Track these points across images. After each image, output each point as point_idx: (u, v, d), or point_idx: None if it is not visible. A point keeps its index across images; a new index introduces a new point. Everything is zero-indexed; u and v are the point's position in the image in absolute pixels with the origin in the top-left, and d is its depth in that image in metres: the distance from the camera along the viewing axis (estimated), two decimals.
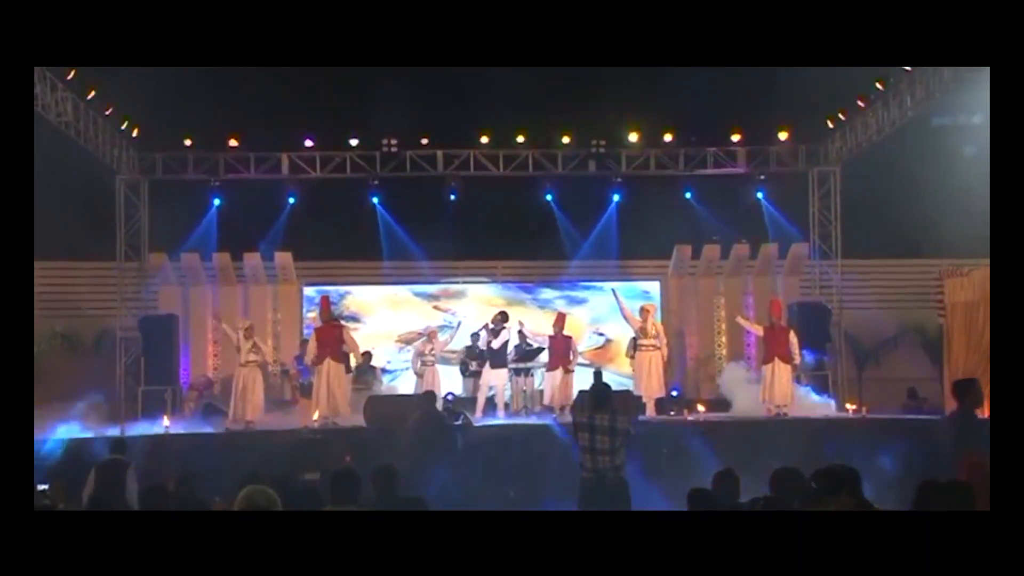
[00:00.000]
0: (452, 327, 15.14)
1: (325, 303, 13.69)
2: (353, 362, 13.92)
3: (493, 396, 14.19)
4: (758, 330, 14.26)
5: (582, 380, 14.10)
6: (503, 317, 14.09)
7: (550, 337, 14.10)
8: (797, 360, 13.56)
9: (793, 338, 13.69)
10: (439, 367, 14.43)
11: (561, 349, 13.97)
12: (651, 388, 13.62)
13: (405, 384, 15.76)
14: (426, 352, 14.12)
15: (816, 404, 14.15)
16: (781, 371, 13.49)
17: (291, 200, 17.19)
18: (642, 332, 13.81)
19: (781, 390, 13.42)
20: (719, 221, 17.42)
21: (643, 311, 14.00)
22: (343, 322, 13.93)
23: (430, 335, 14.38)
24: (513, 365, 14.52)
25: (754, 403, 13.87)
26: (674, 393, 15.06)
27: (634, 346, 14.07)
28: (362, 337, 16.50)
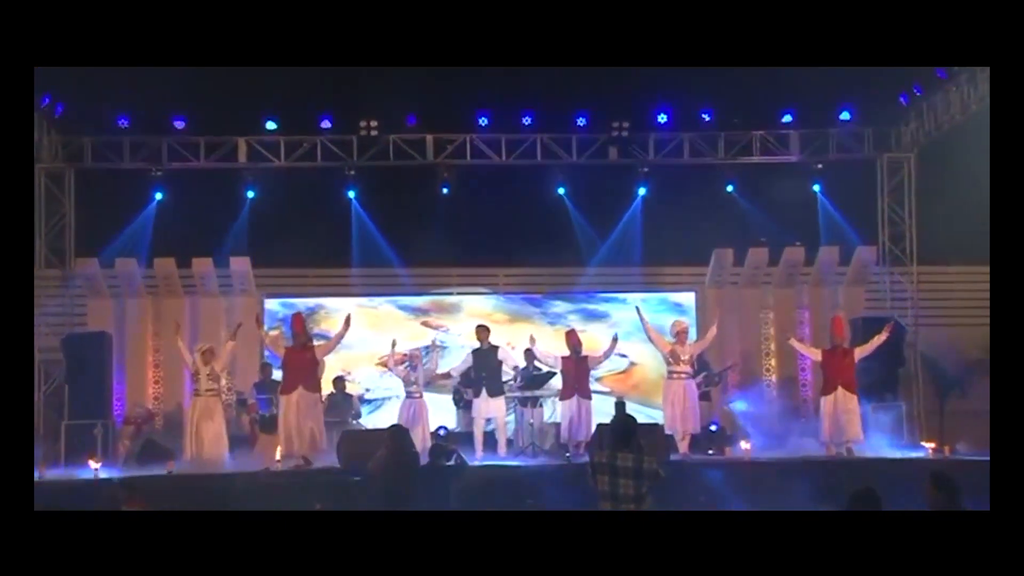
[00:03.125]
0: (442, 346, 15.07)
1: (299, 322, 13.61)
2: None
3: (493, 431, 14.12)
4: (815, 355, 14.16)
5: (602, 412, 14.08)
6: (486, 333, 14.08)
7: (563, 359, 13.99)
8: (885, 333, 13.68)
9: (857, 354, 13.68)
10: (430, 396, 14.40)
11: (575, 374, 13.87)
12: (685, 422, 13.51)
13: (388, 416, 15.66)
14: (410, 380, 14.06)
15: (887, 441, 14.04)
16: (846, 402, 13.36)
17: (250, 194, 17.17)
18: (672, 357, 13.70)
19: (847, 425, 13.30)
20: (767, 219, 17.37)
21: (679, 332, 13.88)
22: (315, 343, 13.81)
23: (412, 358, 14.27)
24: (519, 393, 14.46)
25: (767, 439, 13.88)
26: (713, 428, 14.96)
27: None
28: (336, 360, 16.44)
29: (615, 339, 14.28)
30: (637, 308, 14.31)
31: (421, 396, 14.02)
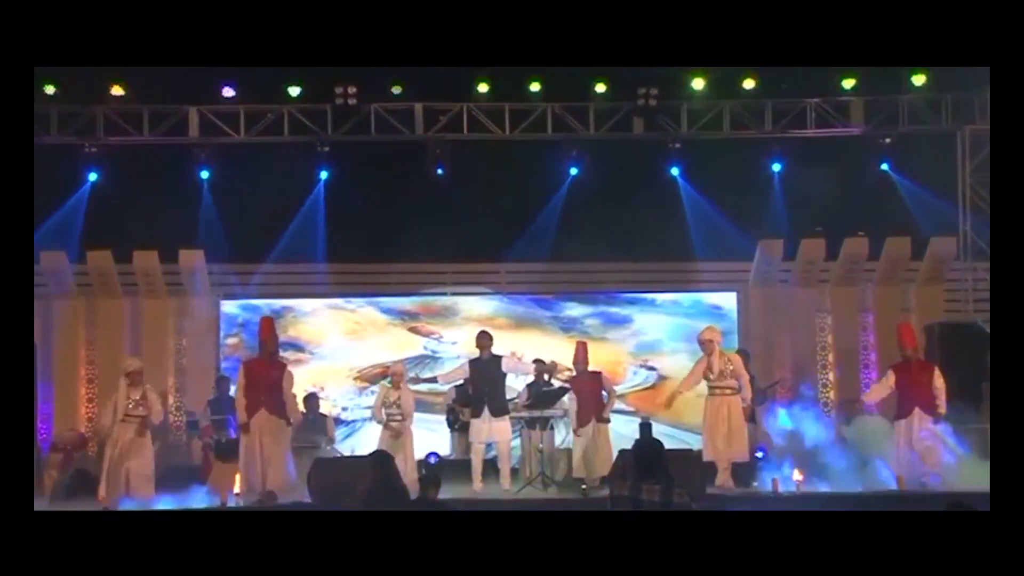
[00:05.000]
0: (434, 357, 15.05)
1: (268, 327, 13.43)
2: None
3: (495, 459, 14.04)
4: (888, 384, 13.85)
5: (624, 436, 14.09)
6: (488, 341, 13.99)
7: (570, 379, 14.04)
8: (943, 409, 13.34)
9: (939, 379, 13.46)
10: (419, 416, 14.36)
11: (588, 392, 13.83)
12: (728, 447, 13.38)
13: (369, 440, 15.63)
14: (391, 401, 13.99)
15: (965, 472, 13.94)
16: (924, 426, 13.23)
17: (203, 175, 17.14)
18: (709, 371, 13.60)
19: (925, 453, 13.17)
20: (824, 204, 17.26)
21: (701, 342, 13.78)
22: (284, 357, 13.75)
23: (395, 375, 14.21)
24: (526, 412, 14.38)
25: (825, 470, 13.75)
26: (759, 454, 14.84)
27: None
28: (307, 373, 16.54)
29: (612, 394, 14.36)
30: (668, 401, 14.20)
31: (403, 421, 13.92)
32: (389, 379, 14.32)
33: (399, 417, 13.87)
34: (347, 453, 15.39)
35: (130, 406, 13.16)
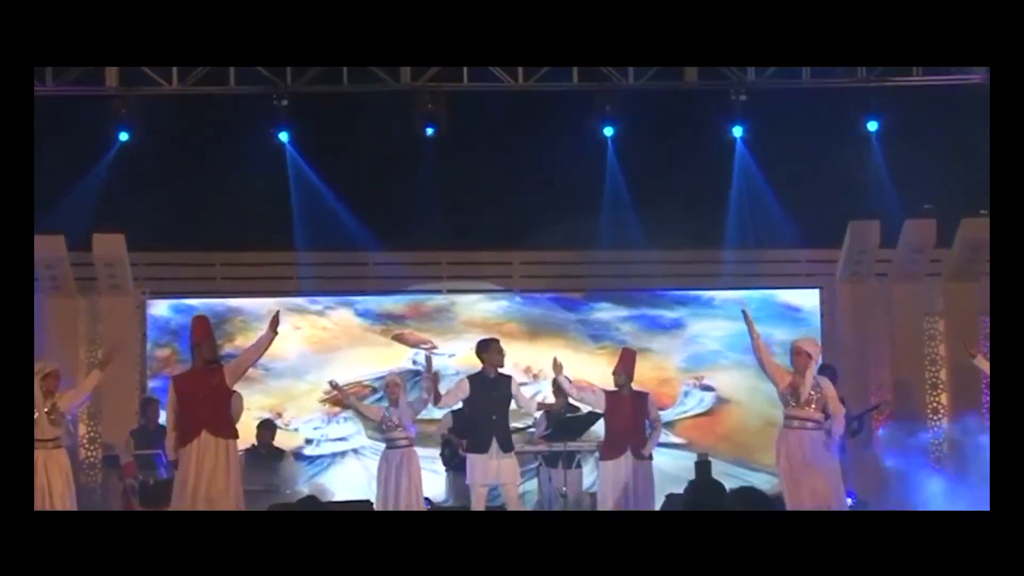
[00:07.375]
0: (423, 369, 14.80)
1: (201, 328, 13.13)
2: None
3: (503, 505, 13.78)
4: None
5: (673, 476, 13.67)
6: (495, 354, 13.71)
7: (607, 394, 13.72)
8: None
9: None
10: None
11: (629, 417, 13.64)
12: (813, 492, 13.00)
13: (339, 479, 15.96)
14: (394, 422, 14.03)
15: None
16: None
17: (123, 137, 16.86)
18: (792, 393, 13.22)
19: None
20: (934, 175, 17.25)
21: (798, 353, 13.39)
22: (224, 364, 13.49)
23: (390, 387, 14.19)
24: (544, 446, 14.59)
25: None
26: (849, 501, 14.56)
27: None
28: (261, 395, 16.71)
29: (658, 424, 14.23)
30: (744, 313, 13.82)
31: (410, 444, 14.04)
32: (384, 397, 14.39)
33: (404, 440, 13.95)
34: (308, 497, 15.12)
35: (44, 424, 12.92)
